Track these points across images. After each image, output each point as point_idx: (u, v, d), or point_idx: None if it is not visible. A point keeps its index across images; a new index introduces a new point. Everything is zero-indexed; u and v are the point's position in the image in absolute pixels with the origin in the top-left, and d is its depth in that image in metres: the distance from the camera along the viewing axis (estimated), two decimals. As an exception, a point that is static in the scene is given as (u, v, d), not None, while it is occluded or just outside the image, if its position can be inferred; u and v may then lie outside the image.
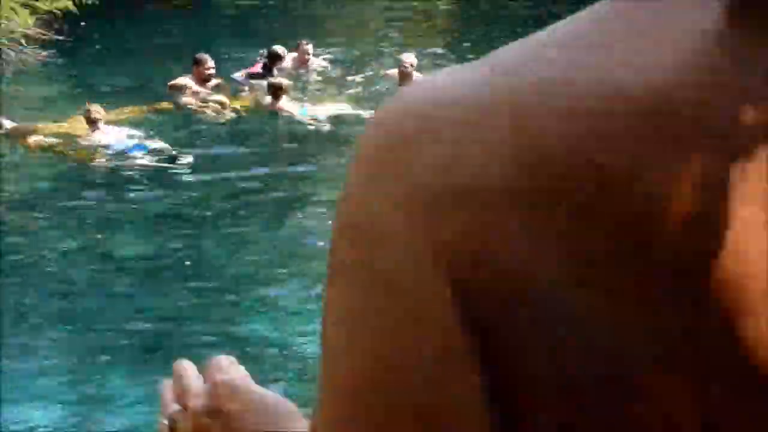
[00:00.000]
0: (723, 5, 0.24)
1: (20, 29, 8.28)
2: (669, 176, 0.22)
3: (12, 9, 8.19)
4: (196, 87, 7.62)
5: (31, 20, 8.47)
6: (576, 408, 0.23)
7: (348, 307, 0.26)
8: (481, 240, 0.23)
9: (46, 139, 6.86)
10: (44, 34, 8.74)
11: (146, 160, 6.70)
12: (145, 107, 7.63)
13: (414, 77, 7.20)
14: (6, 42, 8.10)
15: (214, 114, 7.55)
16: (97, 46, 9.50)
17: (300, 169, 6.97)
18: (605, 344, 0.23)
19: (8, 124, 6.88)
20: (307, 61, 8.44)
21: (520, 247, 0.23)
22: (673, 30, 0.24)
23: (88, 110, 6.75)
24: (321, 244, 5.20)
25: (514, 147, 0.23)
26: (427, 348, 0.24)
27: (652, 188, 0.22)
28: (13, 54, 8.42)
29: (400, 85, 6.80)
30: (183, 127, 7.59)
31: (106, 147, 6.78)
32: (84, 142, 6.84)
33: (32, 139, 6.87)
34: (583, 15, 0.26)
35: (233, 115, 7.60)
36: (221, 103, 7.53)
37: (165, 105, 7.68)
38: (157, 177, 6.65)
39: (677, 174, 0.22)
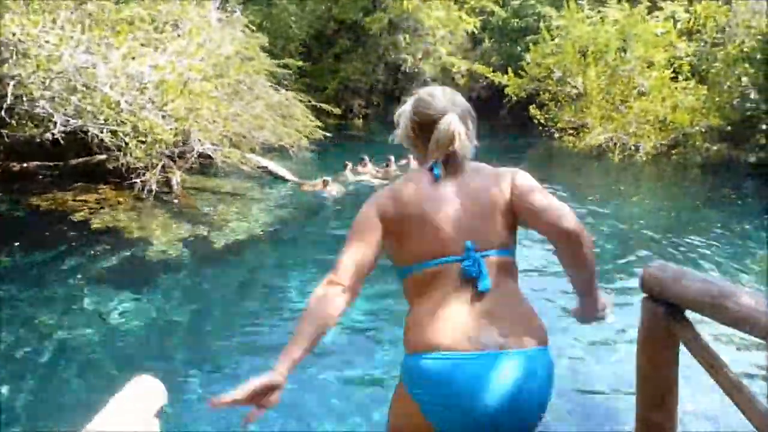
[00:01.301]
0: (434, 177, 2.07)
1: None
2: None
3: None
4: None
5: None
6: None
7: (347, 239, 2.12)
8: (386, 212, 2.08)
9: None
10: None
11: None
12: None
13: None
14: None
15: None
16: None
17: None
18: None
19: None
20: (365, 167, 15.74)
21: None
22: (420, 179, 2.09)
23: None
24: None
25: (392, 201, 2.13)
26: (367, 233, 2.04)
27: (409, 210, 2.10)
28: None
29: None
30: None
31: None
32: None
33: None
34: (408, 175, 2.22)
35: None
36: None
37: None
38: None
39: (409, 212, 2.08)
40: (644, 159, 18.76)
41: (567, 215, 1.76)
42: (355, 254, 1.88)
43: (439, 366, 1.58)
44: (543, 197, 1.80)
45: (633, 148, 19.24)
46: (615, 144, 19.49)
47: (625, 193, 15.95)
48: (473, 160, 2.11)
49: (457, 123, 1.90)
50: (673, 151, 19.10)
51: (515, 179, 1.89)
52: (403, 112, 2.05)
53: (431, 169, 1.92)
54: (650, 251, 10.40)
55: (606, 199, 14.56)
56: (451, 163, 1.93)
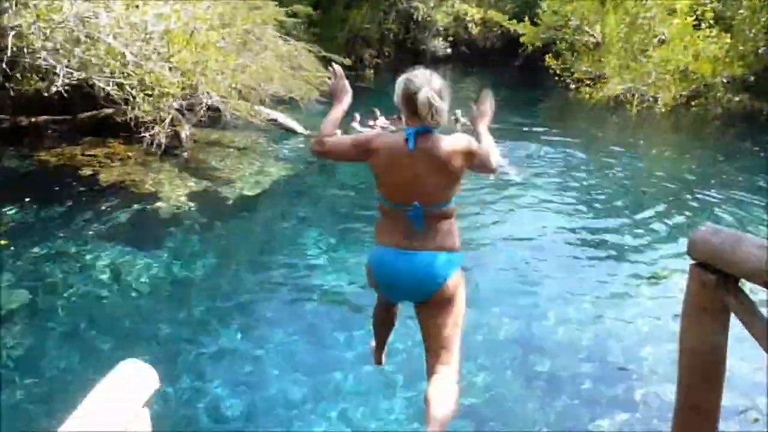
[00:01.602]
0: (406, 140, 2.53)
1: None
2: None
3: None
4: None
5: None
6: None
7: None
8: (376, 150, 2.58)
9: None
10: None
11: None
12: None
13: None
14: None
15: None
16: None
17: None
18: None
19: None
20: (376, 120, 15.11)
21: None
22: (400, 144, 2.51)
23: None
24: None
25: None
26: (360, 145, 2.66)
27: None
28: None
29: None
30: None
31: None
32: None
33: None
34: (396, 136, 2.63)
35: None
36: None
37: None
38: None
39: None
40: (662, 110, 18.25)
41: (492, 159, 2.61)
42: (345, 142, 2.77)
43: (381, 253, 2.65)
44: (479, 151, 2.58)
45: (651, 99, 18.70)
46: (633, 95, 18.93)
47: (642, 145, 15.58)
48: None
49: (431, 95, 2.47)
50: (693, 103, 18.56)
51: (469, 142, 2.60)
52: (396, 85, 2.64)
53: (407, 140, 2.53)
54: (668, 205, 10.20)
55: (623, 151, 14.23)
56: (423, 132, 2.53)
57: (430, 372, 2.53)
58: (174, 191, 10.07)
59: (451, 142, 2.52)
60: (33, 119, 12.42)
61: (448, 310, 2.54)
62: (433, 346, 2.55)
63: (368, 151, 2.61)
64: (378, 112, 15.45)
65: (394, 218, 2.59)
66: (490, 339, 6.19)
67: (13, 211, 8.78)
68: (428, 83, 2.50)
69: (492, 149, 2.59)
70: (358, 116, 15.16)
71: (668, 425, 5.47)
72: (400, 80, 2.62)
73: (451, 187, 2.56)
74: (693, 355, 2.55)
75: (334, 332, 6.15)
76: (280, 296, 6.99)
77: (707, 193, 10.86)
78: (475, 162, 2.54)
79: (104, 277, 7.17)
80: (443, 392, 2.38)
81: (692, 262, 2.49)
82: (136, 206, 9.36)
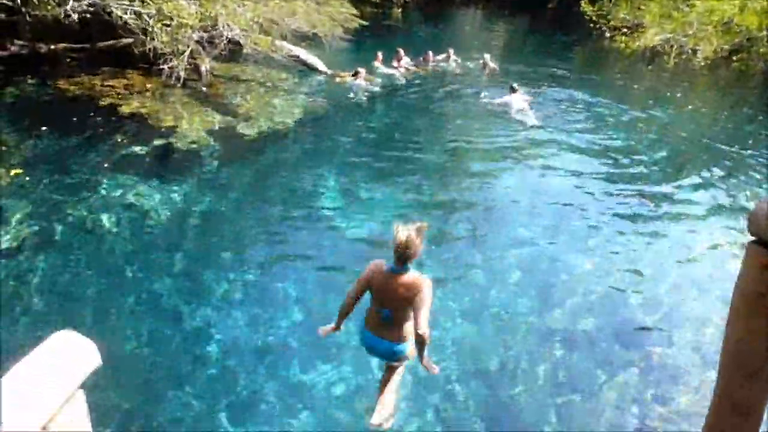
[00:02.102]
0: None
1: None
2: None
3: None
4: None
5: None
6: None
7: None
8: (371, 278, 3.93)
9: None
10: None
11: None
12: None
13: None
14: None
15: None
16: None
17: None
18: None
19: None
20: (400, 60, 15.06)
21: None
22: (383, 272, 3.82)
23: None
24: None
25: None
26: (363, 281, 3.86)
27: None
28: None
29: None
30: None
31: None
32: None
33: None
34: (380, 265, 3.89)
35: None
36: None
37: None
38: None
39: None
40: (701, 64, 17.39)
41: (425, 322, 3.61)
42: (357, 287, 3.86)
43: (364, 335, 3.95)
44: (425, 307, 3.62)
45: (691, 51, 17.80)
46: (671, 46, 18.03)
47: (679, 99, 14.92)
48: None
49: (405, 233, 3.62)
50: (735, 57, 17.64)
51: (422, 289, 3.66)
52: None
53: (390, 269, 3.72)
54: (705, 164, 9.79)
55: (658, 105, 13.64)
56: (402, 261, 3.68)
57: (384, 380, 4.21)
58: (192, 125, 9.88)
59: (414, 281, 3.68)
60: (52, 46, 12.18)
61: (399, 365, 4.14)
62: (389, 374, 4.20)
63: (369, 281, 3.81)
64: (402, 53, 14.94)
65: (375, 313, 3.85)
66: (509, 293, 6.06)
67: (30, 140, 8.69)
68: (407, 231, 3.64)
69: (426, 320, 3.60)
70: (380, 55, 14.68)
71: (679, 388, 5.44)
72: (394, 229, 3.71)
73: (410, 302, 3.66)
74: (741, 346, 2.18)
75: (350, 270, 6.05)
76: (297, 234, 6.89)
77: (745, 151, 10.40)
78: (416, 305, 3.62)
79: (120, 209, 7.10)
80: (391, 387, 4.17)
81: (751, 239, 2.10)
82: (154, 139, 9.20)
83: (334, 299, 5.71)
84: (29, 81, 11.26)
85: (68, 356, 1.44)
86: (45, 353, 1.40)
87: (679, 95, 15.43)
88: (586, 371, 5.14)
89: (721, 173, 9.49)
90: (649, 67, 18.32)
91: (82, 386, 1.47)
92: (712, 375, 4.75)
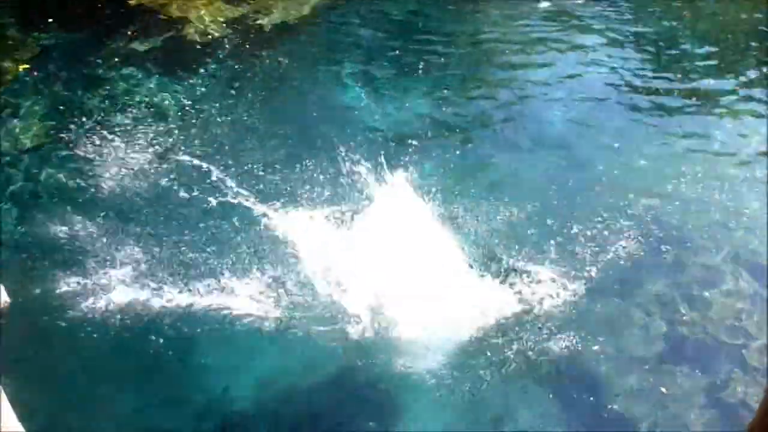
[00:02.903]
0: None
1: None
2: None
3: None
4: None
5: None
6: None
7: None
8: None
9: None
10: None
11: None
12: None
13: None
14: None
15: None
16: None
17: None
18: None
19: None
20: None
21: None
22: None
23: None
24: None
25: None
26: None
27: None
28: None
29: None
30: None
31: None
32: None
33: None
34: None
35: None
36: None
37: None
38: None
39: None
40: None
41: None
42: None
43: None
44: None
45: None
46: None
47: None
48: None
49: None
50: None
51: None
52: None
53: None
54: (757, 60, 9.00)
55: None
56: None
57: None
58: (205, 16, 9.35)
59: None
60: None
61: None
62: None
63: None
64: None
65: None
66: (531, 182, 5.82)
67: (37, 33, 8.32)
68: None
69: None
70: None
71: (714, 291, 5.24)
72: None
73: None
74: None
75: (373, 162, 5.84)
76: (312, 131, 6.62)
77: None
78: None
79: (132, 105, 6.87)
80: None
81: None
82: (164, 32, 8.75)
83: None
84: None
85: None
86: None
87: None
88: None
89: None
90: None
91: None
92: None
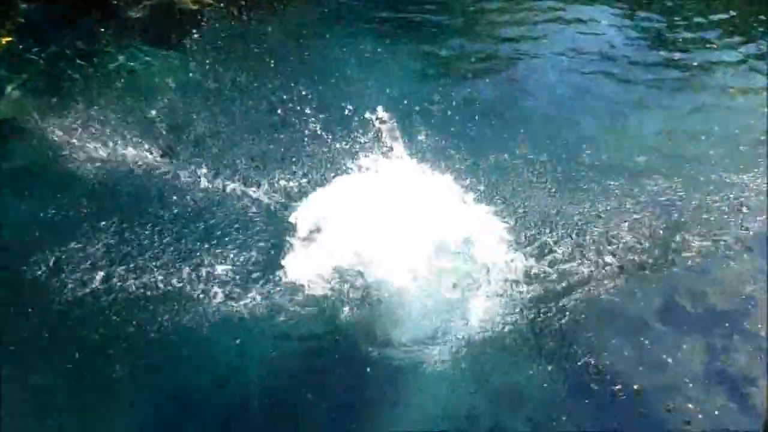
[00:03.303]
0: None
1: None
2: None
3: None
4: None
5: None
6: None
7: None
8: None
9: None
10: None
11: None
12: None
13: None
14: None
15: None
16: None
17: None
18: None
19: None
20: None
21: None
22: None
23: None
24: None
25: None
26: None
27: None
28: None
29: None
30: None
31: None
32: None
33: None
34: None
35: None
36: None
37: None
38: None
39: None
40: None
41: None
42: None
43: None
44: None
45: None
46: None
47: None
48: None
49: None
50: None
51: None
52: None
53: None
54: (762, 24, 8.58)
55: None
56: None
57: None
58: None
59: None
60: None
61: None
62: None
63: None
64: None
65: None
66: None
67: (23, 5, 8.08)
68: None
69: None
70: None
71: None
72: None
73: None
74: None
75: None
76: (303, 97, 6.42)
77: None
78: None
79: (120, 78, 6.69)
80: None
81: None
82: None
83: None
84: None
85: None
86: None
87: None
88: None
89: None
90: None
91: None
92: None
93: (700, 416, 3.95)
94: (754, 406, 4.00)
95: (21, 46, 7.01)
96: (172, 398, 4.08)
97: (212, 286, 4.53)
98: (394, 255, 4.64)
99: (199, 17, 8.07)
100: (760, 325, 4.44)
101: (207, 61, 7.03)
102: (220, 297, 4.46)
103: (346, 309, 4.44)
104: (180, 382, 4.15)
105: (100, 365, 4.15)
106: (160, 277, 4.55)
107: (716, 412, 3.97)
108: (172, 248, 4.82)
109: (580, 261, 4.74)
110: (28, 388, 4.10)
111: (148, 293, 4.48)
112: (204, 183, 5.39)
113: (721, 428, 3.91)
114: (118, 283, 4.52)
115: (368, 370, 4.15)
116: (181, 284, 4.52)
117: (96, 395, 4.07)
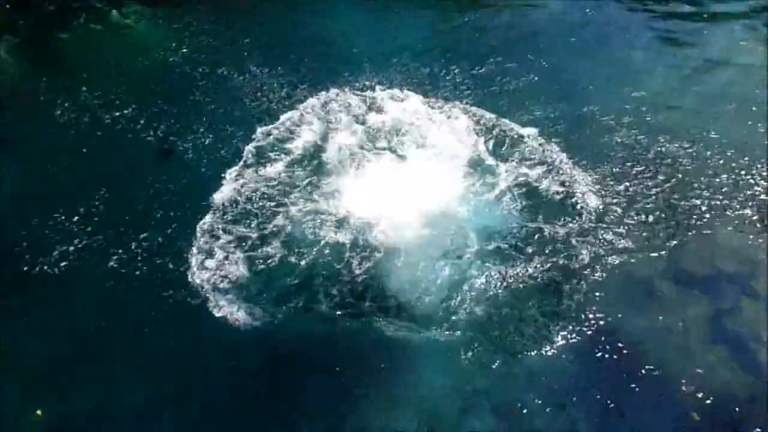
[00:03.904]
0: None
1: None
2: None
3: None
4: None
5: None
6: None
7: None
8: None
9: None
10: None
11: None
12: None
13: None
14: None
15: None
16: None
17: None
18: None
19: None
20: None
21: None
22: None
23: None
24: None
25: None
26: None
27: None
28: None
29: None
30: None
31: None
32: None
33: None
34: None
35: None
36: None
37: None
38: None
39: None
40: None
41: None
42: None
43: None
44: None
45: None
46: None
47: None
48: None
49: None
50: None
51: None
52: None
53: None
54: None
55: None
56: None
57: None
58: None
59: None
60: None
61: None
62: None
63: None
64: None
65: None
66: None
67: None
68: None
69: None
70: None
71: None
72: None
73: None
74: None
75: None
76: (309, 53, 6.24)
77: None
78: None
79: (115, 39, 6.47)
80: None
81: None
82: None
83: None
84: None
85: None
86: None
87: None
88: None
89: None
90: None
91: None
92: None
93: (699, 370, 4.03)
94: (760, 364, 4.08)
95: (8, 7, 6.76)
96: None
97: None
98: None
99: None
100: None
101: (204, 20, 6.79)
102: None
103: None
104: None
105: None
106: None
107: (722, 370, 4.05)
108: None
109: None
110: None
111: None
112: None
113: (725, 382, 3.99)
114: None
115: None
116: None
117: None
